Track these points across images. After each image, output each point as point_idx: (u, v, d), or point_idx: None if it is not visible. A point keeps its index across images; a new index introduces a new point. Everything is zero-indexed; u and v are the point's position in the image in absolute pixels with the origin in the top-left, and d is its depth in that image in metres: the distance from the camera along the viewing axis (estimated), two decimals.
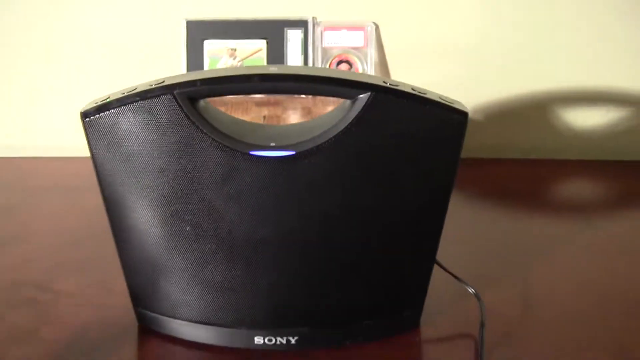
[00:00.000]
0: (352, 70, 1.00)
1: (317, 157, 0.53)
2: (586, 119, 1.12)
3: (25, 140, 1.14)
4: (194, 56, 0.97)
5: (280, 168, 0.53)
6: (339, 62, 0.99)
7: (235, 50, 0.98)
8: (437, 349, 0.61)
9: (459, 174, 0.56)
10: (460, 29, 1.09)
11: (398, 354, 0.60)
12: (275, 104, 0.95)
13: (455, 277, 0.66)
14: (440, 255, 0.61)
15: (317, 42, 0.99)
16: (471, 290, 0.65)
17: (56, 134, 1.13)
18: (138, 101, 0.52)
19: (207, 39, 0.97)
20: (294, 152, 0.53)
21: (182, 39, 0.97)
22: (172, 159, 0.53)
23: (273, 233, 0.55)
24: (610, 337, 0.62)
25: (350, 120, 0.52)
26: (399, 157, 0.54)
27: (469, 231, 0.84)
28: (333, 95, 0.54)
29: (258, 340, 0.59)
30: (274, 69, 0.54)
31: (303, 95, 0.97)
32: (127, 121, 0.53)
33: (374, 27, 1.00)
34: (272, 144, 0.53)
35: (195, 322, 0.59)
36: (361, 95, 0.52)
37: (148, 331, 0.62)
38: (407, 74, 1.05)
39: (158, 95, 0.52)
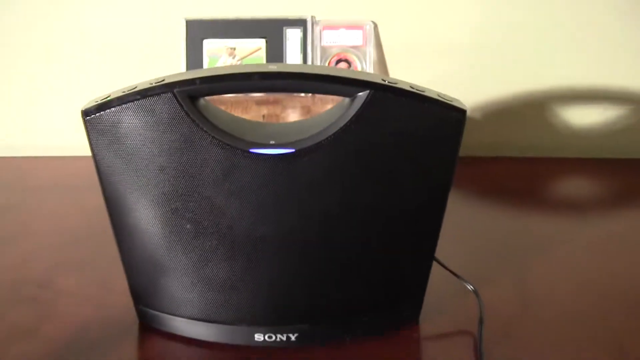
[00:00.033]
0: (351, 68, 1.01)
1: (316, 154, 0.53)
2: (584, 117, 1.13)
3: (25, 139, 1.14)
4: (194, 55, 0.97)
5: (280, 166, 0.53)
6: (338, 61, 1.00)
7: (234, 49, 0.98)
8: (436, 345, 0.62)
9: (458, 173, 0.57)
10: (459, 28, 1.09)
11: (397, 351, 0.60)
12: (275, 102, 0.95)
13: (454, 274, 0.67)
14: (439, 253, 0.61)
15: (316, 41, 0.99)
16: (470, 288, 0.66)
17: (56, 134, 1.13)
18: (138, 99, 0.52)
19: (206, 38, 0.97)
20: (293, 150, 0.53)
21: (181, 38, 0.98)
22: (173, 157, 0.53)
23: (273, 230, 0.56)
24: (609, 334, 0.62)
25: (349, 118, 0.52)
26: (397, 155, 0.55)
27: (467, 229, 0.84)
28: (332, 94, 0.55)
29: (258, 337, 0.60)
30: (273, 67, 0.54)
31: (302, 94, 0.97)
32: (128, 119, 0.53)
33: (372, 26, 1.00)
34: (272, 142, 0.53)
35: (196, 319, 0.60)
36: (360, 93, 0.52)
37: (149, 329, 0.62)
38: (405, 73, 1.06)
39: (158, 94, 0.52)
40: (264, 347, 0.60)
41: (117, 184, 0.55)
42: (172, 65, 1.02)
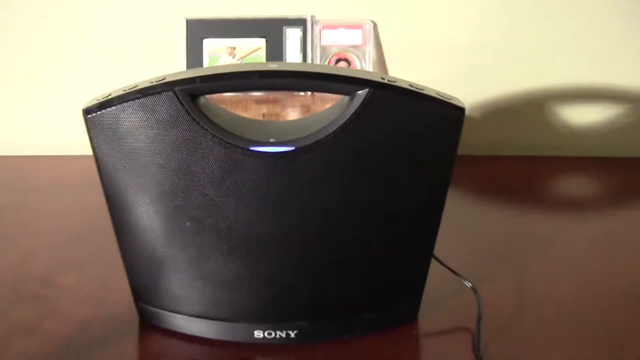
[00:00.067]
0: (351, 68, 1.01)
1: (316, 152, 0.53)
2: (583, 116, 1.13)
3: (25, 139, 1.15)
4: (194, 55, 0.98)
5: (280, 163, 0.54)
6: (338, 60, 1.00)
7: (234, 48, 0.98)
8: (434, 342, 0.62)
9: (457, 171, 0.57)
10: (458, 27, 1.09)
11: (396, 347, 0.60)
12: (275, 101, 0.95)
13: (452, 271, 0.67)
14: (438, 251, 0.62)
15: (316, 41, 0.99)
16: (468, 285, 0.66)
17: (56, 133, 1.14)
18: (139, 98, 0.53)
19: (206, 37, 0.98)
20: (293, 148, 0.53)
21: (181, 38, 0.98)
22: (173, 155, 0.54)
23: (273, 228, 0.56)
24: (607, 332, 0.62)
25: (348, 116, 0.53)
26: (397, 153, 0.55)
27: (466, 227, 0.85)
28: (332, 92, 0.55)
29: (258, 334, 0.60)
30: (273, 66, 0.54)
31: (302, 93, 0.98)
32: (129, 118, 0.53)
33: (372, 25, 1.01)
34: (272, 140, 0.54)
35: (196, 316, 0.60)
36: (359, 92, 0.53)
37: (149, 326, 0.62)
38: (404, 72, 1.06)
39: (159, 92, 0.52)
40: (263, 344, 0.60)
41: (117, 182, 0.56)
42: (172, 65, 1.03)
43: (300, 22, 0.98)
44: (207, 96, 0.55)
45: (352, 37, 1.00)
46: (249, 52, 0.98)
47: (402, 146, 0.55)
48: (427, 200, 0.58)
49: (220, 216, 0.55)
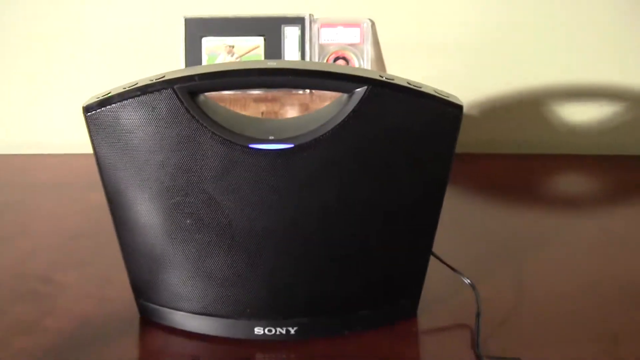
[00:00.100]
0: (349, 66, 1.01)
1: (315, 149, 0.54)
2: (580, 114, 1.13)
3: (25, 137, 1.15)
4: (193, 53, 0.98)
5: (279, 161, 0.54)
6: (336, 59, 1.00)
7: (233, 47, 0.98)
8: (433, 338, 0.62)
9: (455, 169, 0.57)
10: (455, 26, 1.10)
11: (395, 344, 0.60)
12: (273, 100, 0.95)
13: (451, 268, 0.67)
14: (436, 248, 0.62)
15: (314, 39, 1.00)
16: (467, 281, 0.66)
17: (56, 132, 1.14)
18: (139, 96, 0.53)
19: (205, 36, 0.98)
20: (292, 145, 0.54)
21: (180, 37, 0.98)
22: (173, 153, 0.54)
23: (272, 225, 0.56)
24: (604, 327, 0.63)
25: (347, 113, 0.53)
26: (395, 150, 0.55)
27: (465, 224, 0.85)
28: (330, 89, 0.55)
29: (258, 330, 0.60)
30: (272, 64, 0.55)
31: (300, 91, 0.98)
32: (129, 115, 0.53)
33: (369, 23, 1.01)
34: (271, 137, 0.54)
35: (196, 313, 0.60)
36: (358, 89, 0.53)
37: (149, 323, 0.63)
38: (402, 70, 1.05)
39: (159, 90, 0.53)
40: (264, 340, 0.60)
41: (118, 179, 0.56)
42: (172, 65, 1.03)
43: (298, 21, 0.98)
44: (207, 94, 0.55)
45: (350, 36, 1.00)
46: (248, 51, 0.99)
47: (400, 144, 0.55)
48: (426, 197, 0.58)
49: (220, 213, 0.56)
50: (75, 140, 1.06)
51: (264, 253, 0.57)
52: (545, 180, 1.04)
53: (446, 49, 1.10)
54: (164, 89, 0.53)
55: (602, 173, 1.06)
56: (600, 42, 1.10)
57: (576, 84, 1.12)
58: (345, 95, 0.54)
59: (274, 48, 0.98)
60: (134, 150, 0.54)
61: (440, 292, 0.67)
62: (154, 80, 0.53)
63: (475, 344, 0.59)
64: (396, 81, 0.54)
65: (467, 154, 1.06)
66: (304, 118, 0.59)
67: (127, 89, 0.53)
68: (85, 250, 0.78)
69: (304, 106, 0.94)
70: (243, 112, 0.89)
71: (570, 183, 1.05)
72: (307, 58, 0.99)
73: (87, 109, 0.54)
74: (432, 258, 0.62)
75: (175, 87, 0.53)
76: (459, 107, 0.55)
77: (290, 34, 0.98)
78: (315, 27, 0.99)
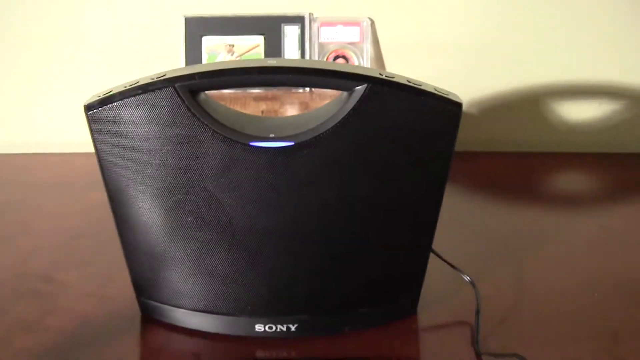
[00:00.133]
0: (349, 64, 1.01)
1: (315, 147, 0.54)
2: (580, 112, 1.13)
3: (26, 137, 1.15)
4: (193, 52, 0.98)
5: (280, 159, 0.54)
6: (336, 57, 1.00)
7: (233, 46, 0.99)
8: (433, 335, 0.63)
9: (454, 168, 0.58)
10: (455, 24, 1.10)
11: (395, 341, 0.61)
12: (273, 98, 0.96)
13: (451, 265, 0.68)
14: (436, 246, 0.62)
15: (314, 38, 1.00)
16: (467, 279, 0.67)
17: (56, 132, 1.14)
18: (140, 94, 0.53)
19: (205, 35, 0.98)
20: (292, 143, 0.54)
21: (180, 36, 0.98)
22: (174, 151, 0.54)
23: (273, 223, 0.56)
24: (603, 325, 0.63)
25: (347, 111, 0.53)
26: (395, 148, 0.56)
27: (464, 222, 0.85)
28: (330, 87, 0.55)
29: (259, 327, 0.60)
30: (272, 62, 0.55)
31: (300, 90, 0.98)
32: (130, 114, 0.54)
33: (369, 22, 1.01)
34: (272, 135, 0.54)
35: (197, 310, 0.61)
36: (358, 87, 0.53)
37: (151, 320, 0.63)
38: (402, 69, 1.06)
39: (160, 88, 0.53)
40: (264, 337, 0.61)
41: (119, 177, 0.56)
42: (172, 64, 1.03)
43: (298, 20, 0.99)
44: (207, 93, 0.55)
45: (350, 34, 1.00)
46: (248, 50, 0.99)
47: (400, 141, 0.55)
48: (425, 195, 0.58)
49: (221, 211, 0.56)
50: (76, 139, 1.06)
51: (265, 251, 0.58)
52: (544, 178, 1.04)
53: (445, 48, 1.10)
54: (164, 87, 0.53)
55: (601, 171, 1.06)
56: (599, 42, 1.10)
57: (575, 82, 1.12)
58: (345, 93, 0.54)
59: (274, 47, 0.98)
60: (135, 149, 0.55)
61: (440, 289, 0.67)
62: (155, 79, 0.53)
63: (475, 342, 0.60)
64: (396, 79, 0.54)
65: (467, 152, 1.06)
66: (304, 116, 0.59)
67: (128, 87, 0.54)
68: (86, 249, 0.78)
69: (304, 105, 0.95)
70: (243, 111, 0.90)
71: (570, 181, 1.05)
72: (307, 57, 0.99)
73: (88, 108, 0.54)
74: (432, 256, 0.62)
75: (176, 85, 0.53)
76: (458, 105, 0.55)
77: (290, 33, 0.99)
78: (315, 25, 1.00)
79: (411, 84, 0.54)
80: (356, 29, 1.01)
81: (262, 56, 0.99)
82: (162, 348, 0.60)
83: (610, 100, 1.13)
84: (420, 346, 0.62)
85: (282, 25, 0.98)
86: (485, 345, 0.59)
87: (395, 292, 0.62)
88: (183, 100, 0.53)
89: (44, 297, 0.68)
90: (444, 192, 0.59)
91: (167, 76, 0.53)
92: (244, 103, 0.93)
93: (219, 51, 0.99)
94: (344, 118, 0.53)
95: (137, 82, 0.54)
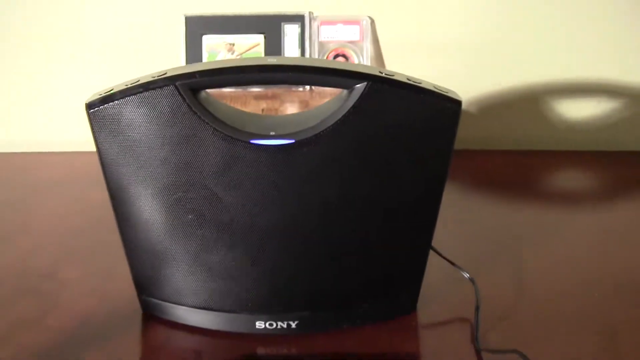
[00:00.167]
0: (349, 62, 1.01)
1: (315, 145, 0.54)
2: (578, 110, 1.14)
3: (26, 136, 1.15)
4: (193, 51, 0.98)
5: (280, 156, 0.54)
6: (336, 56, 1.00)
7: (233, 45, 0.99)
8: (433, 332, 0.63)
9: (454, 166, 0.58)
10: (454, 23, 1.10)
11: (395, 337, 0.61)
12: (273, 97, 0.96)
13: (451, 262, 0.68)
14: (436, 243, 0.63)
15: (314, 37, 1.00)
16: (466, 275, 0.67)
17: (57, 130, 1.14)
18: (141, 92, 0.53)
19: (205, 34, 0.98)
20: (293, 141, 0.54)
21: (181, 35, 0.98)
22: (175, 149, 0.54)
23: (273, 220, 0.57)
24: (602, 321, 0.63)
25: (347, 109, 0.54)
26: (394, 146, 0.56)
27: (464, 220, 0.85)
28: (331, 85, 0.56)
29: (259, 324, 0.61)
30: (273, 60, 0.55)
31: (300, 89, 0.98)
32: (131, 112, 0.54)
33: (369, 21, 1.01)
34: (272, 133, 0.54)
35: (198, 308, 0.61)
36: (358, 85, 0.53)
37: (152, 318, 0.63)
38: (402, 68, 1.06)
39: (161, 87, 0.53)
40: (265, 334, 0.61)
41: (120, 175, 0.56)
42: (172, 64, 1.03)
43: (298, 19, 0.99)
44: (208, 91, 0.56)
45: (350, 33, 1.01)
46: (248, 48, 0.99)
47: (400, 139, 0.56)
48: (425, 192, 0.59)
49: (222, 208, 0.56)
50: (76, 138, 1.07)
51: (265, 248, 0.58)
52: (544, 176, 1.05)
53: (445, 47, 1.10)
54: (165, 85, 0.53)
55: (600, 169, 1.06)
56: (597, 39, 1.10)
57: (574, 80, 1.12)
58: (345, 91, 0.54)
59: (274, 46, 0.99)
60: (136, 147, 0.55)
61: (440, 286, 0.67)
62: (156, 77, 0.54)
63: (474, 338, 0.60)
64: (396, 77, 0.54)
65: (467, 151, 1.06)
66: (304, 114, 0.59)
67: (129, 85, 0.54)
68: (86, 247, 0.78)
69: (304, 103, 0.95)
70: (243, 110, 0.90)
71: (569, 179, 1.05)
72: (307, 55, 1.00)
73: (89, 106, 0.54)
74: (431, 253, 0.63)
75: (177, 83, 0.53)
76: (457, 102, 0.55)
77: (290, 32, 0.99)
78: (315, 24, 1.00)
79: (411, 82, 0.55)
80: (356, 27, 1.01)
81: (263, 55, 0.99)
82: (163, 345, 0.61)
83: (609, 99, 1.13)
84: (420, 343, 0.62)
85: (282, 24, 0.99)
86: (484, 341, 0.60)
87: (395, 289, 0.63)
88: (184, 99, 0.53)
89: (45, 295, 0.68)
90: (443, 189, 0.59)
91: (168, 74, 0.54)
92: (244, 102, 0.94)
93: (219, 50, 0.99)
94: (344, 116, 0.54)
95: (138, 81, 0.54)
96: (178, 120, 0.54)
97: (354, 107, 0.53)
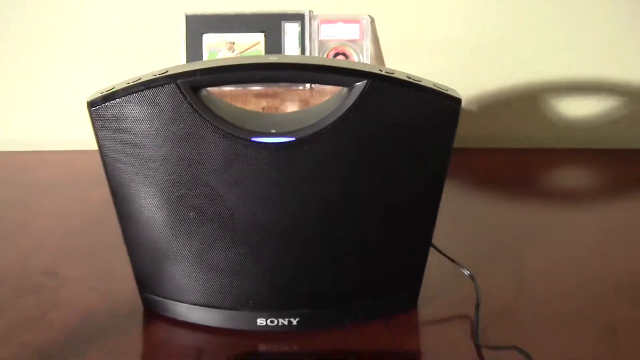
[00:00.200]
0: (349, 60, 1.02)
1: (316, 143, 0.54)
2: (578, 108, 1.14)
3: (26, 135, 1.15)
4: (193, 50, 0.98)
5: (281, 154, 0.55)
6: (336, 55, 1.01)
7: (233, 43, 0.99)
8: (433, 328, 0.63)
9: (453, 164, 0.58)
10: (454, 22, 1.10)
11: (396, 335, 0.61)
12: (274, 95, 0.96)
13: (451, 260, 0.68)
14: (436, 241, 0.63)
15: (314, 35, 1.00)
16: (466, 273, 0.67)
17: (57, 130, 1.14)
18: (142, 90, 0.53)
19: (206, 32, 0.98)
20: (294, 138, 0.54)
21: (181, 33, 0.99)
22: (176, 146, 0.55)
23: (274, 217, 0.57)
24: (602, 318, 0.64)
25: (347, 107, 0.54)
26: (394, 144, 0.56)
27: (464, 218, 0.86)
28: (331, 83, 0.56)
29: (260, 321, 0.61)
30: (273, 58, 0.55)
31: (301, 87, 0.98)
32: (132, 110, 0.54)
33: (369, 20, 1.01)
34: (273, 131, 0.54)
35: (200, 305, 0.61)
36: (358, 83, 0.54)
37: (153, 315, 0.63)
38: (402, 66, 1.06)
39: (162, 85, 0.53)
40: (266, 331, 0.61)
41: (121, 173, 0.57)
42: (172, 62, 1.03)
43: (298, 17, 0.99)
44: (208, 89, 0.56)
45: (350, 32, 1.01)
46: (248, 47, 0.99)
47: (400, 137, 0.56)
48: (425, 190, 0.59)
49: (223, 206, 0.56)
50: (76, 137, 1.07)
51: (266, 245, 0.58)
52: (543, 174, 1.05)
53: (444, 45, 1.10)
54: (167, 83, 0.53)
55: (600, 167, 1.06)
56: (597, 37, 1.10)
57: (574, 79, 1.12)
58: (345, 89, 0.55)
59: (274, 44, 0.99)
60: (138, 144, 0.55)
61: (440, 283, 0.68)
62: (157, 75, 0.54)
63: (474, 335, 0.60)
64: (396, 75, 0.54)
65: (466, 149, 1.07)
66: (305, 112, 0.59)
67: (131, 84, 0.54)
68: (87, 246, 0.78)
69: (304, 102, 0.95)
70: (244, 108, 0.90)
71: (569, 177, 1.06)
72: (307, 54, 1.00)
73: (91, 104, 0.55)
74: (432, 250, 0.63)
75: (178, 81, 0.53)
76: (457, 100, 0.56)
77: (290, 30, 0.99)
78: (315, 23, 1.00)
79: (411, 80, 0.55)
80: (356, 26, 1.01)
81: (263, 53, 0.99)
82: (165, 342, 0.61)
83: (609, 97, 1.13)
84: (421, 339, 0.62)
85: (283, 22, 0.99)
86: (484, 338, 0.60)
87: (395, 286, 0.63)
88: (185, 97, 0.53)
89: (47, 292, 0.68)
90: (443, 187, 0.59)
91: (169, 73, 0.54)
92: (245, 100, 0.94)
93: (219, 49, 0.99)
94: (344, 114, 0.54)
95: (140, 79, 0.54)
96: (179, 118, 0.54)
97: (354, 105, 0.54)
